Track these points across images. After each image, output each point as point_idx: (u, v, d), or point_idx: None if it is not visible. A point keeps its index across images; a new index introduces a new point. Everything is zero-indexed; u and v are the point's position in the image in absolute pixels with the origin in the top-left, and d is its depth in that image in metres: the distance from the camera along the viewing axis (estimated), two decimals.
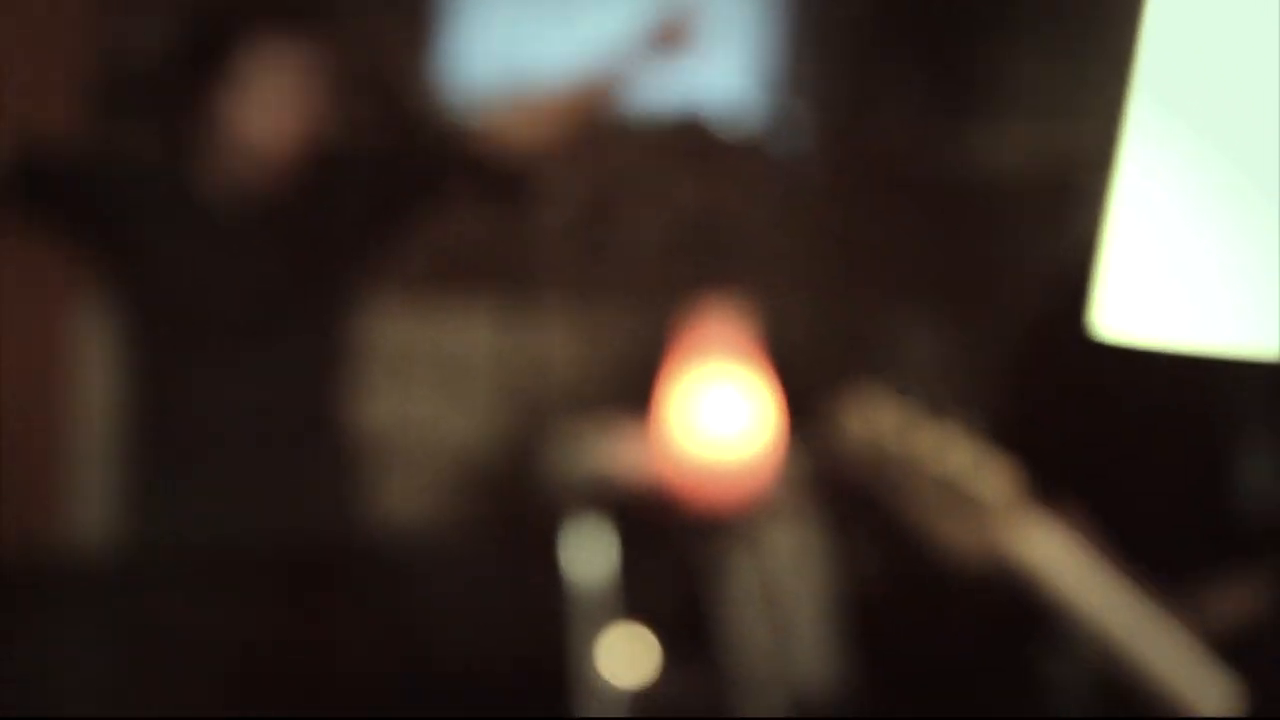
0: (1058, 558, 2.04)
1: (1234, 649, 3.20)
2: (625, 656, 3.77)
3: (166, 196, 3.28)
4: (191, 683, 3.11)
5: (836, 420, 2.14)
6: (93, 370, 4.76)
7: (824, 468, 5.18)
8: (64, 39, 4.03)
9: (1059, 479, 3.46)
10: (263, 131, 3.24)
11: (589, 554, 3.86)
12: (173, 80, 3.33)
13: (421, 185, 3.37)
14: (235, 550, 3.20)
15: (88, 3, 4.21)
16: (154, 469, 3.24)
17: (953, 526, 2.06)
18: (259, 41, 3.24)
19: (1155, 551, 3.40)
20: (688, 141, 5.64)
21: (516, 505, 4.50)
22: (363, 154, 3.40)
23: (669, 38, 3.42)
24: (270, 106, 3.24)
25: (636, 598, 4.09)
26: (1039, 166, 5.34)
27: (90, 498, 4.21)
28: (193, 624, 3.17)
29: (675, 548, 4.02)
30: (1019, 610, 2.09)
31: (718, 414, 3.78)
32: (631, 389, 5.21)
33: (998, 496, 2.07)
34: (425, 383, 4.75)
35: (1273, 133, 1.14)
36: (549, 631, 3.79)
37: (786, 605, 4.21)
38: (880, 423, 2.09)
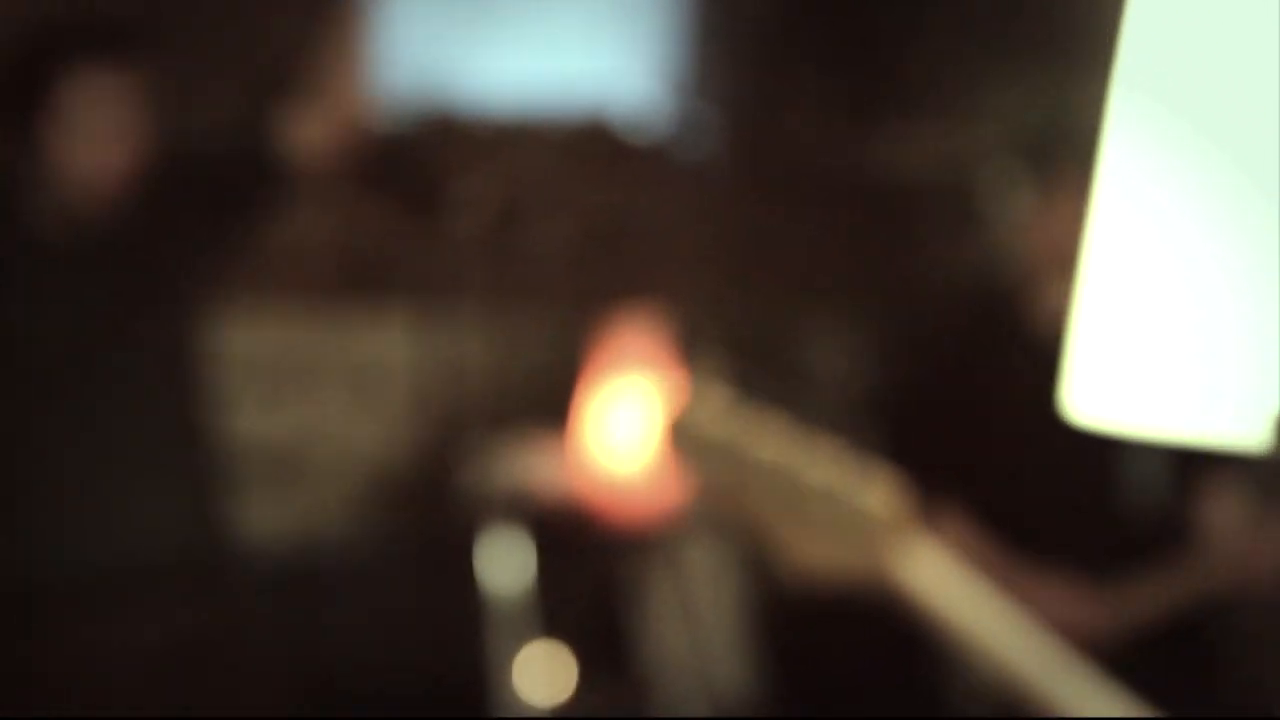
0: (942, 580, 1.85)
1: (1129, 653, 3.19)
2: (542, 673, 3.71)
3: None
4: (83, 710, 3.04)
5: (676, 418, 1.94)
6: None
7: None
8: None
9: (954, 485, 3.43)
10: (87, 162, 3.20)
11: (505, 568, 3.81)
12: None
13: (247, 191, 3.32)
14: (115, 574, 3.14)
15: None
16: (14, 502, 3.20)
17: (824, 545, 1.85)
18: (79, 71, 3.19)
19: (1050, 556, 3.39)
20: (594, 145, 5.58)
21: (431, 518, 4.43)
22: (185, 165, 3.34)
23: None
24: (93, 137, 3.19)
25: (553, 613, 4.03)
26: (946, 167, 5.33)
27: None
28: (76, 650, 3.11)
29: (592, 562, 3.97)
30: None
31: (633, 426, 3.72)
32: (548, 400, 5.14)
33: (879, 511, 1.85)
34: (337, 393, 4.68)
35: (1254, 216, 1.10)
36: (465, 648, 3.73)
37: (704, 620, 4.16)
38: (729, 424, 1.86)
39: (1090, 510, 3.41)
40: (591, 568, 3.96)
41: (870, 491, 1.85)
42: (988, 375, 3.36)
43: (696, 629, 4.13)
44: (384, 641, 3.97)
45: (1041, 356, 3.41)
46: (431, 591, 4.03)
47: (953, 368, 3.41)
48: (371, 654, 3.96)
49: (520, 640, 3.73)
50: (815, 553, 1.84)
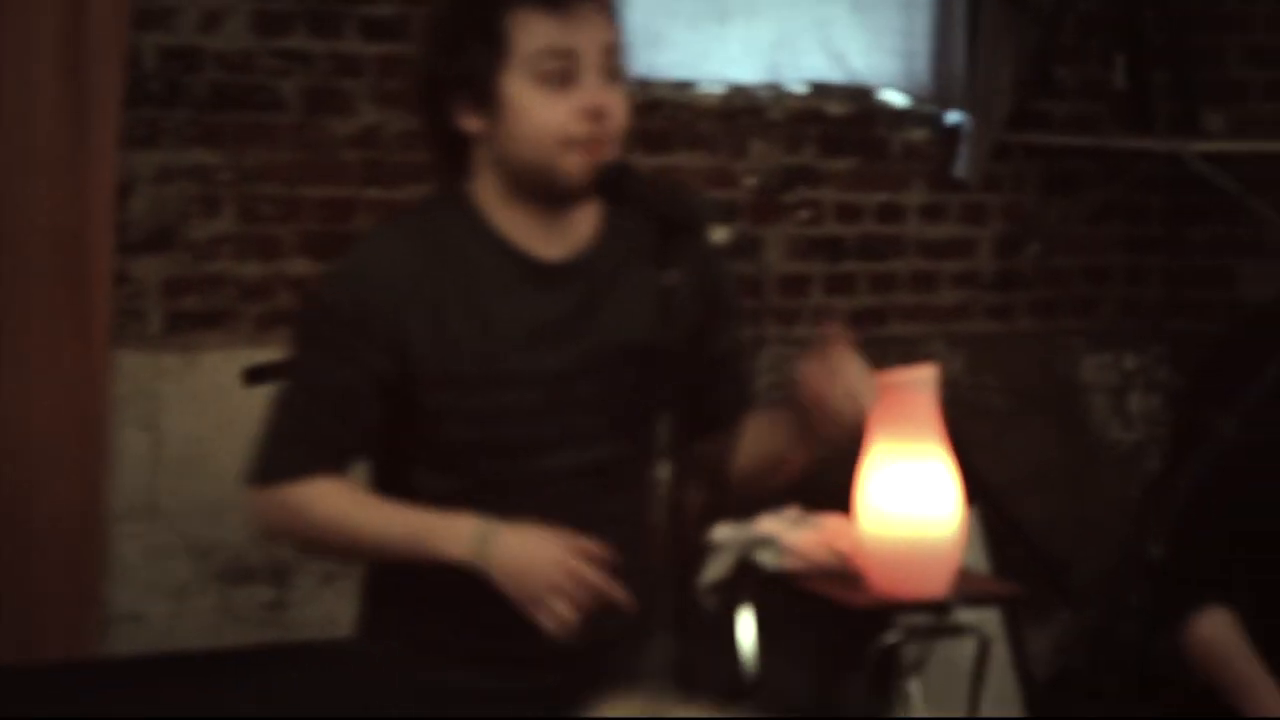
0: None
1: None
2: None
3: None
4: None
5: None
6: None
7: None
8: None
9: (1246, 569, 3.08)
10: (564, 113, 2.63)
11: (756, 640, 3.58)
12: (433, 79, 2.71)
13: None
14: None
15: None
16: None
17: None
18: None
19: None
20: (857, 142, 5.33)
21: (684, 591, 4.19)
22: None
23: None
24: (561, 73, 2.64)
25: (814, 690, 3.79)
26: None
27: None
28: None
29: (853, 635, 3.69)
30: None
31: (907, 492, 3.43)
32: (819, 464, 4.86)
33: None
34: None
35: None
36: None
37: (977, 698, 3.87)
38: None
39: None
40: (852, 641, 3.67)
41: None
42: None
43: (970, 707, 3.86)
44: None
45: None
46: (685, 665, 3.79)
47: None
48: None
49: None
50: None
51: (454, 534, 2.68)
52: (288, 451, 2.78)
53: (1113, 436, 5.68)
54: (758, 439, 2.78)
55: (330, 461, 2.77)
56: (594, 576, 2.64)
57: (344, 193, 4.72)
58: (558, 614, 2.62)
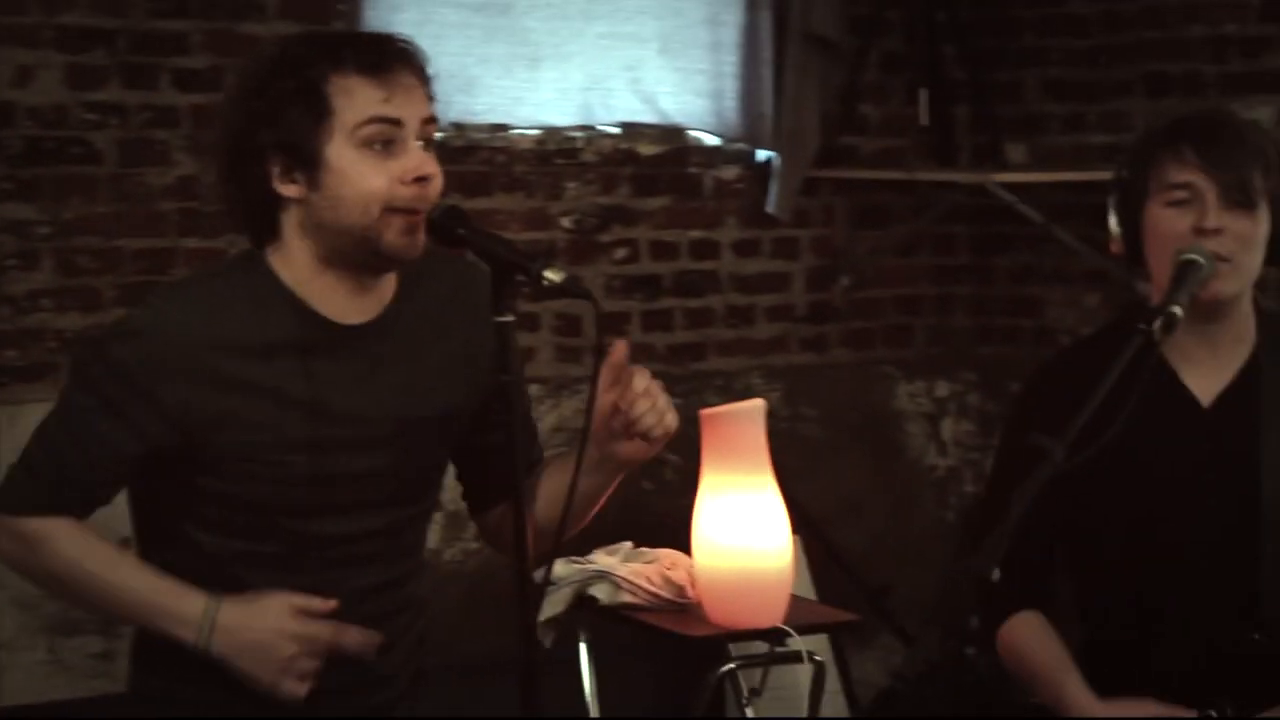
0: None
1: None
2: None
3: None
4: None
5: None
6: None
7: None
8: None
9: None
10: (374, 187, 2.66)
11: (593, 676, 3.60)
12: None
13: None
14: None
15: None
16: None
17: None
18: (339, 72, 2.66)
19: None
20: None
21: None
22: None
23: None
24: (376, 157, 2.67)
25: None
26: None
27: None
28: None
29: (694, 670, 3.74)
30: None
31: (740, 523, 3.48)
32: (649, 497, 4.88)
33: None
34: None
35: None
36: None
37: None
38: None
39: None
40: (690, 671, 3.73)
41: None
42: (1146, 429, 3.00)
43: None
44: None
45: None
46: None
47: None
48: None
49: None
50: None
51: (181, 617, 2.68)
52: (35, 485, 2.76)
53: (928, 462, 5.79)
54: (558, 482, 2.76)
55: (75, 506, 2.75)
56: (321, 631, 2.68)
57: (162, 243, 4.71)
58: (293, 686, 2.66)
